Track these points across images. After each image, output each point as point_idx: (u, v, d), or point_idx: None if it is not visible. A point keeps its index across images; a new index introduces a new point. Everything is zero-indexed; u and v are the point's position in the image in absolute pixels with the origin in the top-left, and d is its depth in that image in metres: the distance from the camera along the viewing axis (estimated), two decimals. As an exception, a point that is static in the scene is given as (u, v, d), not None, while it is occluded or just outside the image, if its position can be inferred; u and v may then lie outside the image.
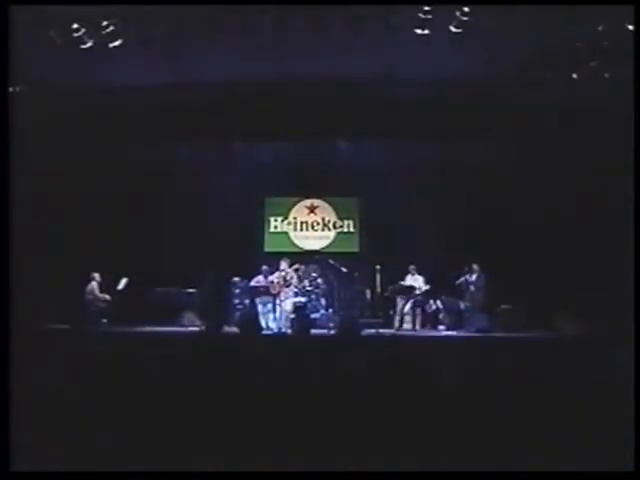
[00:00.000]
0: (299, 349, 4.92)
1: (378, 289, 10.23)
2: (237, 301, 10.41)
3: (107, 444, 2.76)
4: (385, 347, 6.20)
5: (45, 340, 5.29)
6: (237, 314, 9.93)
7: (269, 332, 9.35)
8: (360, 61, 8.93)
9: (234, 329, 7.76)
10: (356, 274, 10.18)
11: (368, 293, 10.47)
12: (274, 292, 9.76)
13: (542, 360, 4.52)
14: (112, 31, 7.96)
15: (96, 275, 9.87)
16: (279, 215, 11.90)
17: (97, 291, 9.83)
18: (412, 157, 11.20)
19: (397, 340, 8.44)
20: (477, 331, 8.93)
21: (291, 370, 3.64)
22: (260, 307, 9.97)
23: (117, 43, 8.08)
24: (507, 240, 10.08)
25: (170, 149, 11.43)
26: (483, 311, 9.40)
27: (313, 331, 7.66)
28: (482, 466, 2.60)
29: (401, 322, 9.86)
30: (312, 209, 11.94)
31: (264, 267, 10.08)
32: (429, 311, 10.04)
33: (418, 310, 9.96)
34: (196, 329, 8.61)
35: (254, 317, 9.30)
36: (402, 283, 10.03)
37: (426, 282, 10.00)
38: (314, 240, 11.83)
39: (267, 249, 11.68)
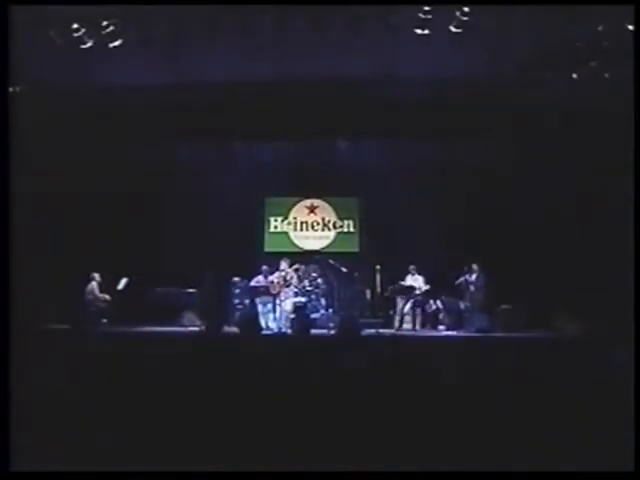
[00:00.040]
0: (299, 349, 4.92)
1: (378, 289, 10.23)
2: (237, 301, 10.42)
3: (107, 444, 2.76)
4: (385, 347, 6.20)
5: (45, 340, 5.29)
6: (237, 314, 9.93)
7: (269, 332, 9.35)
8: (360, 61, 8.93)
9: (234, 329, 7.75)
10: (356, 274, 10.18)
11: (368, 293, 10.47)
12: (274, 292, 9.76)
13: (542, 360, 4.51)
14: (112, 31, 7.96)
15: (96, 275, 9.87)
16: (279, 215, 11.90)
17: (97, 291, 9.83)
18: (412, 157, 11.20)
19: (397, 340, 8.43)
20: (477, 331, 8.93)
21: (291, 370, 3.64)
22: (260, 307, 9.98)
23: (117, 43, 8.08)
24: (507, 240, 10.08)
25: (170, 149, 11.43)
26: (483, 311, 9.40)
27: (313, 331, 7.65)
28: (482, 466, 2.60)
29: (401, 322, 9.85)
30: (312, 209, 11.94)
31: (264, 267, 10.08)
32: (429, 311, 10.04)
33: (418, 310, 9.95)
34: (196, 329, 8.61)
35: (254, 317, 9.30)
36: (402, 283, 10.03)
37: (426, 282, 10.00)
38: (314, 240, 11.82)
39: (267, 249, 11.69)
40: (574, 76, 8.68)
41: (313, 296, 10.19)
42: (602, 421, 2.86)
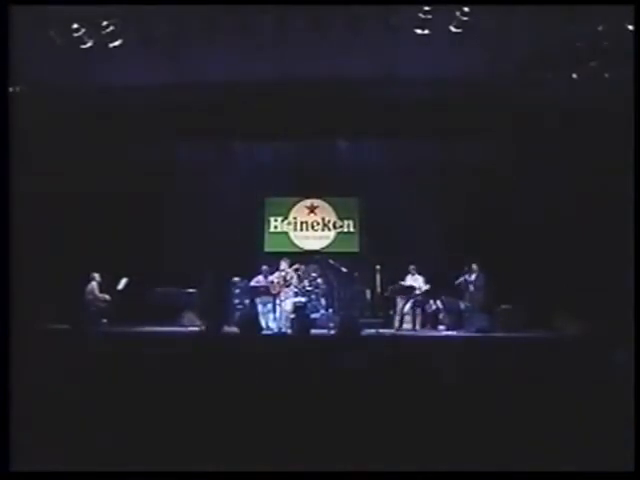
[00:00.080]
0: (299, 349, 4.92)
1: (378, 289, 10.23)
2: (237, 301, 10.41)
3: (107, 444, 2.76)
4: (385, 347, 6.20)
5: (45, 340, 5.29)
6: (237, 314, 9.93)
7: (269, 332, 9.35)
8: (360, 61, 8.93)
9: (234, 329, 7.76)
10: (356, 274, 10.18)
11: (368, 293, 10.47)
12: (274, 292, 9.76)
13: (542, 360, 4.52)
14: (112, 31, 7.96)
15: (96, 275, 9.87)
16: (279, 215, 11.90)
17: (97, 291, 9.83)
18: (412, 157, 11.20)
19: (397, 340, 8.43)
20: (477, 331, 8.93)
21: (291, 370, 3.64)
22: (260, 307, 9.97)
23: (117, 43, 8.08)
24: (507, 240, 10.08)
25: (170, 149, 11.43)
26: (483, 311, 9.40)
27: (313, 331, 7.66)
28: (482, 466, 2.60)
29: (401, 322, 9.85)
30: (312, 209, 11.94)
31: (264, 267, 10.08)
32: (429, 311, 10.04)
33: (418, 310, 9.96)
34: (196, 329, 8.61)
35: (254, 317, 9.30)
36: (402, 283, 10.03)
37: (426, 282, 10.00)
38: (314, 240, 11.82)
39: (267, 249, 11.69)
40: (574, 76, 8.68)
41: (313, 296, 10.18)
42: (602, 421, 2.86)
